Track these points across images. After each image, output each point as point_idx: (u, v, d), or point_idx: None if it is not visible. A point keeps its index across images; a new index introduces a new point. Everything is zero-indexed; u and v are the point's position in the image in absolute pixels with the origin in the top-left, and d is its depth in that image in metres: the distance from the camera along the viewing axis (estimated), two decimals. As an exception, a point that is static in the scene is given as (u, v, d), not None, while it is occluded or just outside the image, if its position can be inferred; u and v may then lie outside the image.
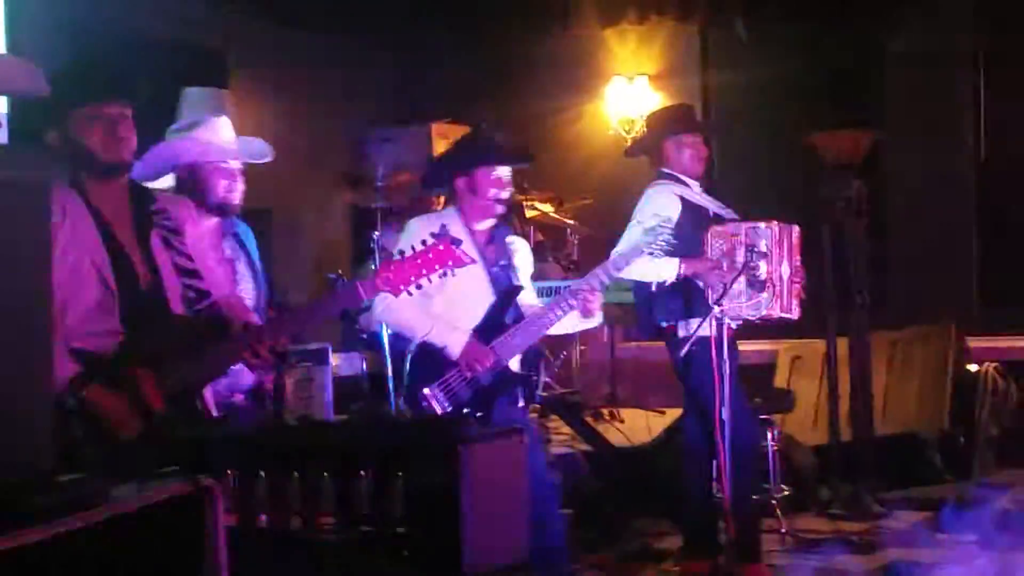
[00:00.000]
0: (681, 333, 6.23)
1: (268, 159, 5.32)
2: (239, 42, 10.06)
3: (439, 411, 5.37)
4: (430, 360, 5.46)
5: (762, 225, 6.21)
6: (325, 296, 4.58)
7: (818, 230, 7.67)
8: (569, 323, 5.77)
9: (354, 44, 10.92)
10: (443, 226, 4.49)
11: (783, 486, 7.36)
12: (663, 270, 6.22)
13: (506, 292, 5.63)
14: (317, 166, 10.54)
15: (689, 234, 6.25)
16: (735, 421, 5.95)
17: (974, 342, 8.98)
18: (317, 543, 3.61)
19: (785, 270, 6.23)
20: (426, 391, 5.41)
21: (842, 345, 8.09)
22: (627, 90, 11.15)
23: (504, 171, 5.67)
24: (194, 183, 5.06)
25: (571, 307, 5.60)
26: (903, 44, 10.16)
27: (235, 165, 5.15)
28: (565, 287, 8.29)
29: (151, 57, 8.59)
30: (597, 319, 5.82)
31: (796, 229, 6.42)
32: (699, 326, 5.96)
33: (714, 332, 5.91)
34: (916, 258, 10.03)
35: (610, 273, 5.71)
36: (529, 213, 9.64)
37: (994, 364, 8.64)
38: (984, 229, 9.98)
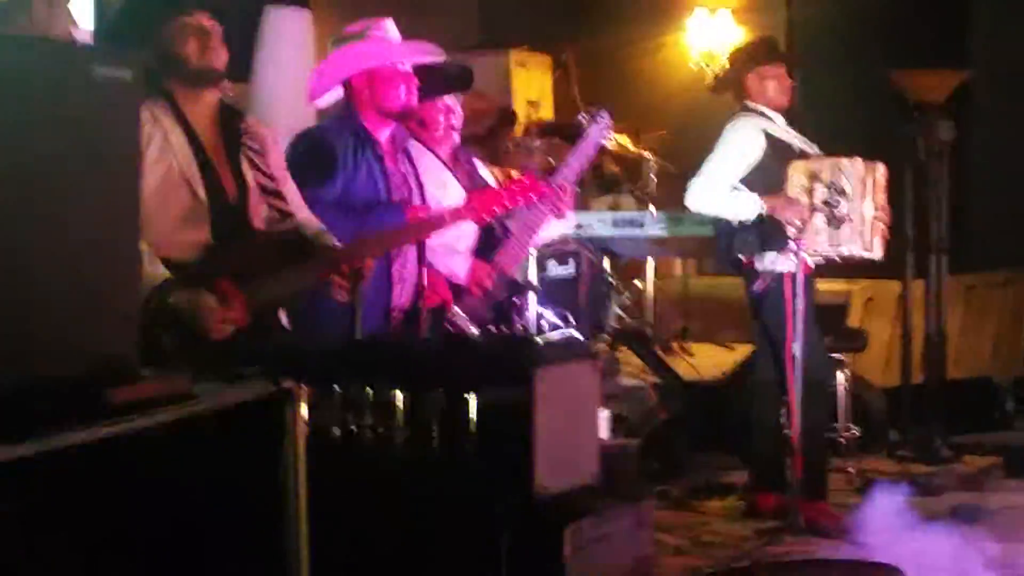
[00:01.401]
0: (759, 267, 6.18)
1: (441, 59, 5.15)
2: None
3: (467, 331, 5.29)
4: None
5: (845, 161, 6.13)
6: (415, 222, 4.57)
7: (900, 170, 7.57)
8: (550, 227, 5.70)
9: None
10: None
11: (852, 426, 7.32)
12: (743, 207, 6.17)
13: None
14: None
15: (772, 169, 6.19)
16: (807, 359, 5.92)
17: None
18: (389, 457, 3.64)
19: (868, 208, 6.15)
20: (451, 313, 5.33)
21: (918, 288, 8.01)
22: (709, 22, 11.02)
23: (449, 99, 5.59)
24: (372, 90, 4.94)
25: (544, 209, 5.49)
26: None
27: (407, 68, 5.00)
28: (639, 218, 8.30)
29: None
30: (570, 220, 5.71)
31: (882, 167, 6.33)
32: (776, 262, 5.92)
33: (792, 268, 5.86)
34: (999, 203, 9.87)
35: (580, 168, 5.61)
36: (608, 145, 9.58)
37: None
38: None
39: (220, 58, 4.29)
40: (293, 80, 8.54)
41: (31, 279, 2.30)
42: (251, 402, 2.60)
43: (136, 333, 2.52)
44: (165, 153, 4.12)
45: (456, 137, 5.63)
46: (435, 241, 4.97)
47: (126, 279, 2.48)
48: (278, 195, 4.39)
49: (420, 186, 5.14)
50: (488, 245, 5.55)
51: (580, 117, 5.66)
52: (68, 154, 2.34)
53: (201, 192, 4.17)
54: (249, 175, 4.33)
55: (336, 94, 5.05)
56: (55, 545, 2.49)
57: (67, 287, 2.35)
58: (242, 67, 8.03)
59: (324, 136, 4.94)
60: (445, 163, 5.57)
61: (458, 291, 5.38)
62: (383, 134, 4.99)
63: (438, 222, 4.54)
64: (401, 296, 4.96)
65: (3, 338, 2.23)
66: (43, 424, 2.21)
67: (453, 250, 5.42)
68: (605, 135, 5.74)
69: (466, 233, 5.42)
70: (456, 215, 4.47)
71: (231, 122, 4.38)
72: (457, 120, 5.61)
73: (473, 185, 5.59)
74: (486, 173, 6.03)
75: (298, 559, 2.81)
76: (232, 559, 2.79)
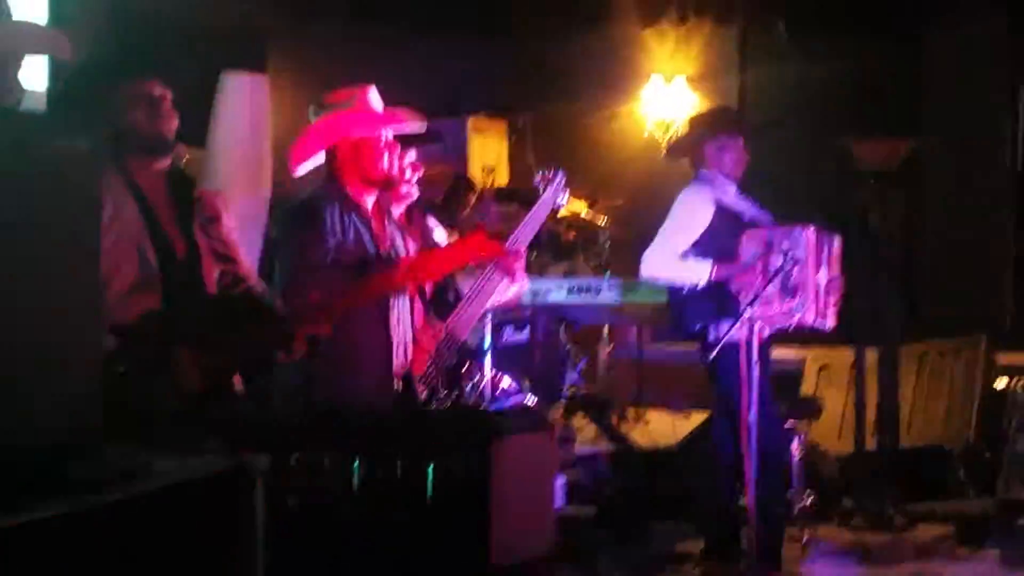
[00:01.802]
0: (712, 336, 6.21)
1: (424, 128, 5.11)
2: (277, 27, 10.07)
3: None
4: None
5: (797, 230, 6.17)
6: (366, 284, 4.54)
7: (852, 237, 7.63)
8: (503, 291, 5.68)
9: (391, 34, 10.91)
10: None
11: (806, 494, 7.33)
12: (695, 273, 6.21)
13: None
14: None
15: (723, 238, 6.24)
16: (763, 427, 5.93)
17: (1005, 357, 8.93)
18: (346, 527, 3.62)
19: (822, 277, 6.20)
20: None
21: (871, 355, 8.06)
22: (664, 91, 11.12)
23: (411, 155, 5.59)
24: (357, 158, 4.89)
25: (498, 273, 5.49)
26: (942, 50, 10.10)
27: (391, 137, 4.97)
28: (594, 285, 8.32)
29: (190, 41, 8.62)
30: (522, 284, 5.70)
31: (837, 239, 6.39)
32: (730, 330, 5.94)
33: (745, 336, 5.88)
34: (949, 270, 9.97)
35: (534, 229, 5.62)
36: (561, 212, 9.63)
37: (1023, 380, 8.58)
38: (1020, 242, 9.90)
39: (170, 126, 4.29)
40: (249, 145, 8.58)
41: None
42: (210, 478, 2.59)
43: (98, 405, 2.50)
44: (116, 220, 4.10)
45: (415, 194, 5.61)
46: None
47: (89, 350, 2.47)
48: (231, 260, 4.41)
49: (405, 246, 5.13)
50: (441, 307, 5.52)
51: (536, 178, 5.67)
52: (27, 225, 2.33)
53: (152, 259, 4.16)
54: (202, 241, 4.34)
55: (316, 161, 5.04)
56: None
57: (28, 359, 2.33)
58: (198, 131, 8.04)
59: (316, 203, 4.90)
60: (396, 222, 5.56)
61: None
62: (368, 200, 4.97)
63: (392, 284, 4.51)
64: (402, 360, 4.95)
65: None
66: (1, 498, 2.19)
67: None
68: (560, 196, 5.75)
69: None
70: (411, 276, 4.45)
71: (182, 189, 4.39)
72: (419, 177, 5.60)
73: (426, 245, 5.59)
74: (440, 235, 6.03)
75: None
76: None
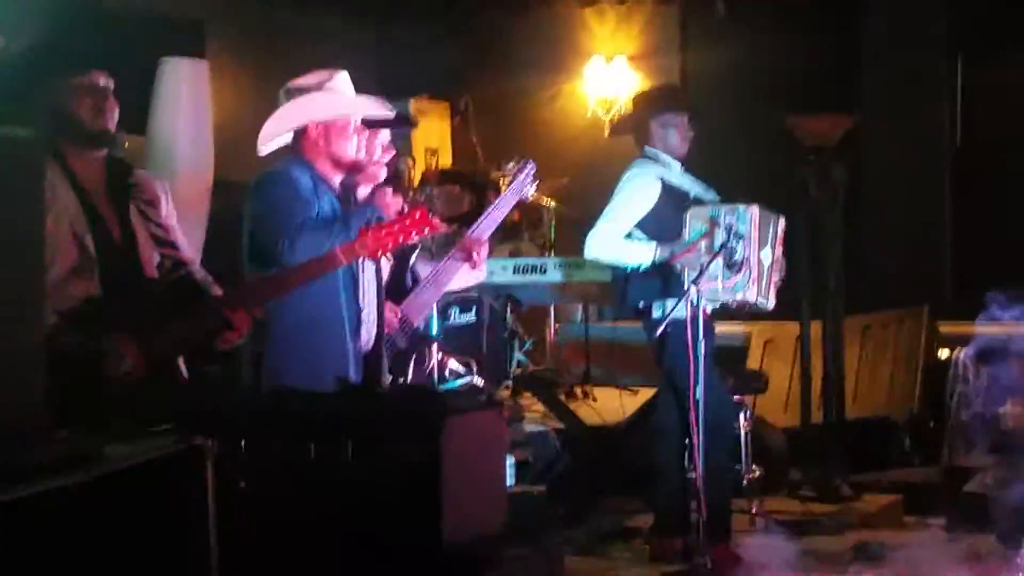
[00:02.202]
0: (657, 314, 6.24)
1: (392, 114, 5.15)
2: (216, 12, 10.02)
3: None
4: None
5: (741, 207, 6.20)
6: (304, 263, 4.53)
7: (794, 212, 7.69)
8: (462, 277, 5.73)
9: (332, 18, 10.89)
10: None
11: (754, 467, 7.39)
12: (638, 254, 6.24)
13: (401, 254, 5.57)
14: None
15: (668, 215, 6.27)
16: (710, 402, 5.97)
17: (946, 327, 9.04)
18: (296, 510, 3.63)
19: (766, 256, 6.25)
20: None
21: (815, 329, 8.13)
22: (605, 70, 11.14)
23: (384, 136, 5.60)
24: (327, 140, 4.92)
25: (459, 259, 5.56)
26: (881, 27, 10.18)
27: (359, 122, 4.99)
28: (540, 265, 8.35)
29: (128, 26, 8.57)
30: (483, 272, 5.75)
31: (782, 220, 6.44)
32: (675, 307, 5.97)
33: (690, 313, 5.92)
34: (890, 243, 10.07)
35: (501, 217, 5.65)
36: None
37: (965, 350, 8.69)
38: (958, 215, 10.03)
39: (113, 118, 4.30)
40: (190, 130, 8.52)
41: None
42: (161, 460, 2.59)
43: (42, 392, 2.50)
44: (53, 207, 4.09)
45: (383, 176, 5.62)
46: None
47: (32, 339, 2.47)
48: (170, 244, 4.42)
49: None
50: (397, 291, 5.54)
51: (506, 167, 5.71)
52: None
53: (90, 245, 4.16)
54: (140, 227, 4.33)
55: (281, 140, 5.05)
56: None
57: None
58: (138, 118, 7.98)
59: (291, 171, 4.92)
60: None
61: None
62: (335, 180, 5.01)
63: (330, 261, 4.51)
64: (368, 341, 4.98)
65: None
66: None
67: None
68: (528, 187, 5.77)
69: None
70: (349, 252, 4.44)
71: (120, 175, 4.39)
72: (388, 159, 5.62)
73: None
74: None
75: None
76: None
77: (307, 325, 4.70)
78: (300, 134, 4.98)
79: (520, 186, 5.75)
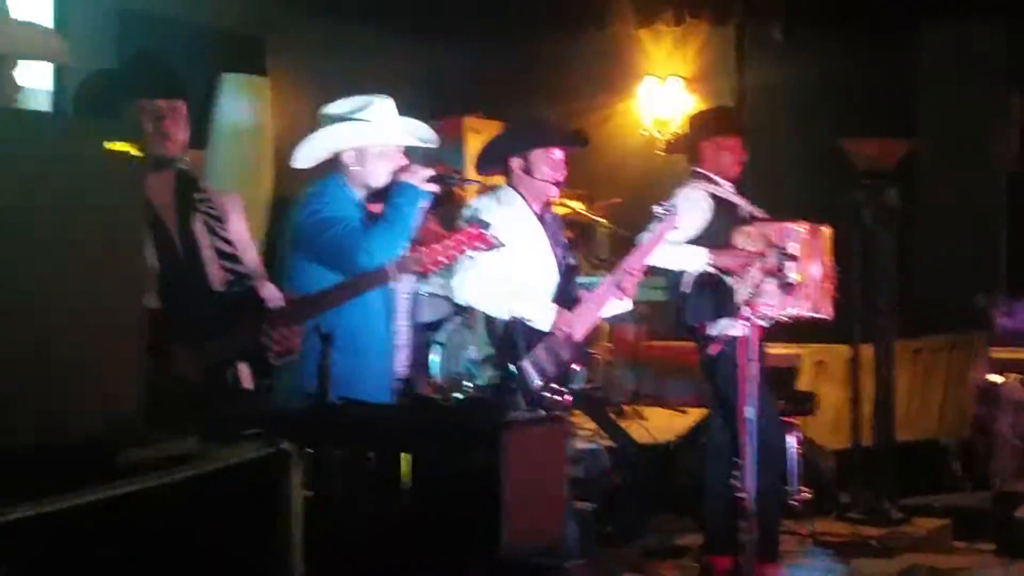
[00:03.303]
0: (711, 332, 6.29)
1: (435, 145, 5.13)
2: (277, 29, 10.15)
3: (533, 384, 5.41)
4: (519, 335, 5.45)
5: (791, 226, 6.25)
6: (352, 278, 4.57)
7: (848, 236, 7.72)
8: (612, 306, 5.85)
9: (390, 36, 11.00)
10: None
11: (803, 489, 7.42)
12: (689, 258, 6.28)
13: (567, 271, 5.71)
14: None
15: (720, 232, 6.32)
16: (761, 422, 6.00)
17: (998, 353, 9.03)
18: (359, 519, 3.69)
19: (816, 270, 6.29)
20: (523, 363, 5.42)
21: (867, 352, 8.14)
22: (659, 91, 11.20)
23: (558, 153, 5.75)
24: (363, 166, 4.90)
25: (619, 286, 5.69)
26: (939, 54, 10.18)
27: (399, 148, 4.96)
28: (592, 284, 8.40)
29: (191, 43, 8.69)
30: (629, 303, 5.87)
31: (827, 230, 6.49)
32: (729, 326, 6.02)
33: (743, 332, 5.96)
34: (944, 268, 10.06)
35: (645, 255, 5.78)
36: (560, 210, 9.69)
37: (1017, 375, 8.68)
38: (1013, 241, 10.00)
39: (175, 141, 4.32)
40: (249, 146, 8.65)
41: (40, 345, 2.37)
42: (250, 463, 2.67)
43: (142, 395, 2.58)
44: None
45: (554, 191, 5.81)
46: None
47: (132, 341, 2.55)
48: (235, 259, 4.45)
49: None
50: (564, 306, 5.65)
51: (655, 210, 5.84)
52: (74, 222, 2.43)
53: (153, 257, 4.22)
54: (205, 240, 4.38)
55: (319, 158, 5.08)
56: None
57: (75, 351, 2.42)
58: (198, 133, 8.11)
59: (329, 185, 4.97)
60: (534, 212, 5.78)
61: None
62: (368, 203, 5.05)
63: (382, 276, 4.54)
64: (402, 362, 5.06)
65: (14, 402, 2.30)
66: (54, 485, 2.28)
67: (537, 300, 5.59)
68: (669, 229, 5.90)
69: (544, 293, 5.64)
70: (402, 267, 4.48)
71: (186, 188, 4.44)
72: (560, 176, 5.82)
73: (555, 241, 5.84)
74: None
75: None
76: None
77: (352, 343, 4.72)
78: (336, 156, 5.03)
79: (665, 228, 5.89)
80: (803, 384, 9.12)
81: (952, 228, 10.05)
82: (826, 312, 6.40)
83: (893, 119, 9.89)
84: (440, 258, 4.41)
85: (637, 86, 11.30)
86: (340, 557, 3.51)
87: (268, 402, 4.40)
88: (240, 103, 8.71)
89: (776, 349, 7.64)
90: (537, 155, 5.72)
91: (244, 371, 4.36)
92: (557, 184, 5.76)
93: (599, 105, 11.44)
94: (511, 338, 5.43)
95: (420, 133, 5.07)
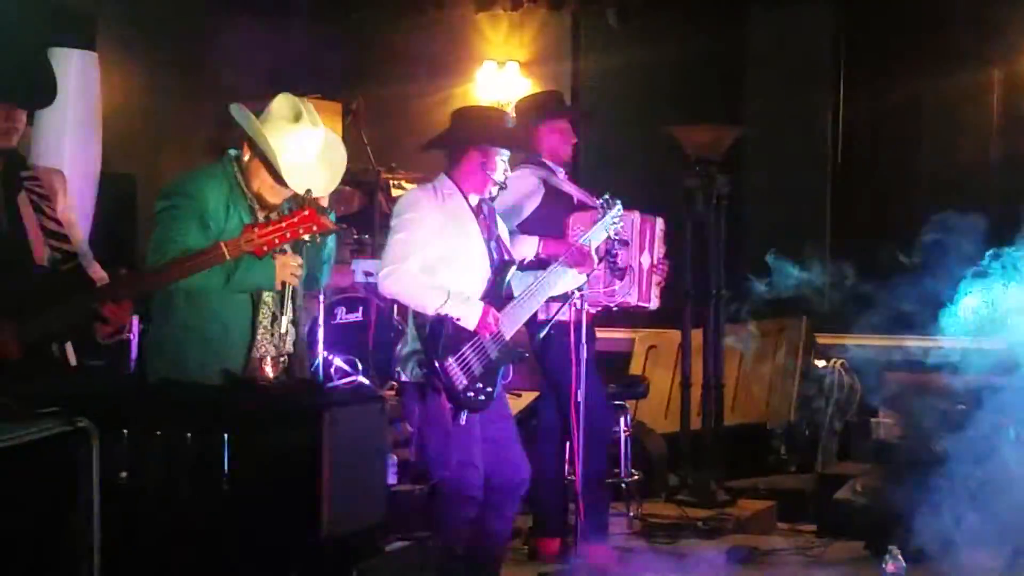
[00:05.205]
0: (540, 316, 6.32)
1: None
2: (109, 5, 9.93)
3: (457, 384, 5.37)
4: (444, 333, 5.40)
5: (623, 213, 6.31)
6: (181, 257, 4.48)
7: (679, 222, 7.82)
8: (566, 282, 5.84)
9: (223, 15, 10.83)
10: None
11: (633, 471, 7.52)
12: (524, 248, 6.30)
13: (501, 266, 5.66)
14: (184, 133, 10.45)
15: (551, 218, 6.36)
16: (590, 405, 6.06)
17: (823, 338, 9.23)
18: (176, 499, 3.64)
19: (645, 259, 6.38)
20: (448, 362, 5.36)
21: (697, 336, 8.27)
22: (497, 75, 11.20)
23: (507, 155, 5.70)
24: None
25: (564, 268, 5.70)
26: (766, 41, 10.32)
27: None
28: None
29: (20, 16, 8.46)
30: (581, 278, 5.90)
31: (660, 221, 6.58)
32: (558, 310, 6.05)
33: (572, 317, 6.01)
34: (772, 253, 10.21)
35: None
36: (396, 192, 9.67)
37: (841, 361, 8.89)
38: (837, 230, 10.21)
39: (11, 139, 4.29)
40: (79, 122, 8.47)
41: None
42: (45, 441, 2.61)
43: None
44: None
45: (495, 191, 5.77)
46: None
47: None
48: (62, 237, 4.41)
49: None
50: (495, 302, 5.61)
51: (600, 203, 5.88)
52: None
53: None
54: (32, 219, 4.33)
55: None
56: None
57: None
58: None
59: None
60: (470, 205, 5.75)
61: None
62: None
63: (214, 256, 4.47)
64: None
65: None
66: None
67: (465, 298, 5.50)
68: (615, 224, 5.94)
69: (474, 288, 5.58)
70: (234, 247, 4.42)
71: (13, 167, 4.38)
72: (503, 177, 5.78)
73: (490, 235, 5.76)
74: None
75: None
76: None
77: (201, 324, 4.63)
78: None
79: (609, 221, 5.91)
80: (635, 368, 9.25)
81: (778, 213, 10.20)
82: (653, 303, 6.51)
83: (724, 104, 10.02)
84: (273, 238, 4.36)
85: (476, 70, 11.29)
86: (156, 540, 3.47)
87: (92, 382, 4.32)
88: (68, 79, 8.51)
89: (608, 333, 7.72)
90: (494, 154, 5.64)
91: (69, 349, 4.30)
92: (498, 184, 5.70)
93: (437, 88, 11.40)
94: (436, 336, 5.39)
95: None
